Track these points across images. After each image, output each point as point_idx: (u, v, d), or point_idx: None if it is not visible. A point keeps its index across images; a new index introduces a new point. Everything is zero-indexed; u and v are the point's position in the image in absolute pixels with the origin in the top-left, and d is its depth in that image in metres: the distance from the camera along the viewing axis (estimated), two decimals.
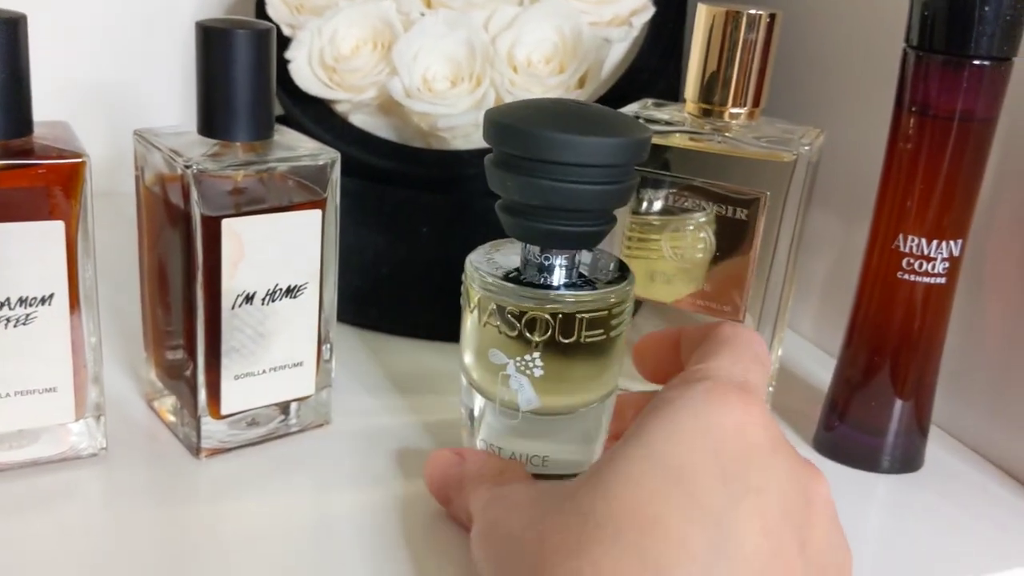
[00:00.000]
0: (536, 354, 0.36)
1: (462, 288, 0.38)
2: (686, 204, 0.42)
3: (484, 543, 0.31)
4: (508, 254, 0.39)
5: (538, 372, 0.36)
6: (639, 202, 0.43)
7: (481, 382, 0.38)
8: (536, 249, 0.37)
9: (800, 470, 0.29)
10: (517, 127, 0.33)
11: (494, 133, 0.35)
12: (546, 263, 0.37)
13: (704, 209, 0.42)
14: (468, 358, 0.39)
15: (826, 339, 0.55)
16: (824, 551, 0.28)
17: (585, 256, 0.38)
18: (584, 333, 0.36)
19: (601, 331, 0.36)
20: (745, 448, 0.28)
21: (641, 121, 0.38)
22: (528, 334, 0.36)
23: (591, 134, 0.33)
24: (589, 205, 0.34)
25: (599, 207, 0.35)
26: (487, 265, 0.37)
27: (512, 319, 0.36)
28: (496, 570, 0.30)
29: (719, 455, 0.28)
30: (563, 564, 0.26)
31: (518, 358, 0.36)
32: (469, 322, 0.38)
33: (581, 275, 0.37)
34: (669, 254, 0.43)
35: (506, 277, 0.36)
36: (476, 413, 0.39)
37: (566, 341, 0.36)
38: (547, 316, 0.35)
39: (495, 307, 0.36)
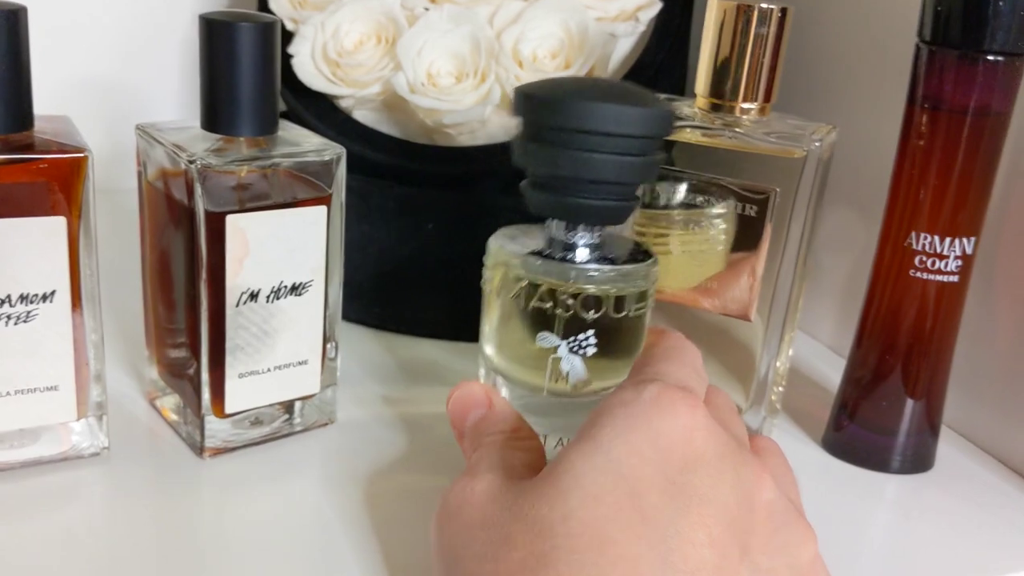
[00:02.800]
0: (590, 331, 0.36)
1: (486, 277, 0.38)
2: (696, 199, 0.42)
3: (440, 529, 0.31)
4: (527, 238, 0.38)
5: (591, 351, 0.36)
6: (652, 195, 0.43)
7: (513, 372, 0.38)
8: (562, 228, 0.37)
9: (745, 475, 0.30)
10: (551, 98, 0.34)
11: (527, 105, 0.35)
12: (571, 240, 0.36)
13: (722, 200, 0.41)
14: (494, 349, 0.38)
15: (840, 340, 0.55)
16: (770, 554, 0.29)
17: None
18: (633, 306, 0.36)
19: (643, 304, 0.37)
20: (692, 456, 0.29)
21: (662, 99, 0.38)
22: (583, 313, 0.36)
23: (623, 104, 0.34)
24: (618, 177, 0.35)
25: (628, 179, 0.35)
26: (520, 248, 0.37)
27: (566, 300, 0.36)
28: (445, 564, 0.30)
29: (667, 465, 0.29)
30: None
31: (571, 339, 0.36)
32: (497, 311, 0.38)
33: (604, 256, 0.37)
34: (678, 250, 0.43)
35: (548, 258, 0.36)
36: None
37: (618, 316, 0.36)
38: (599, 295, 0.36)
39: (546, 289, 0.36)
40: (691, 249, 0.43)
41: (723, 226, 0.42)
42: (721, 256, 0.42)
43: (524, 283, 0.37)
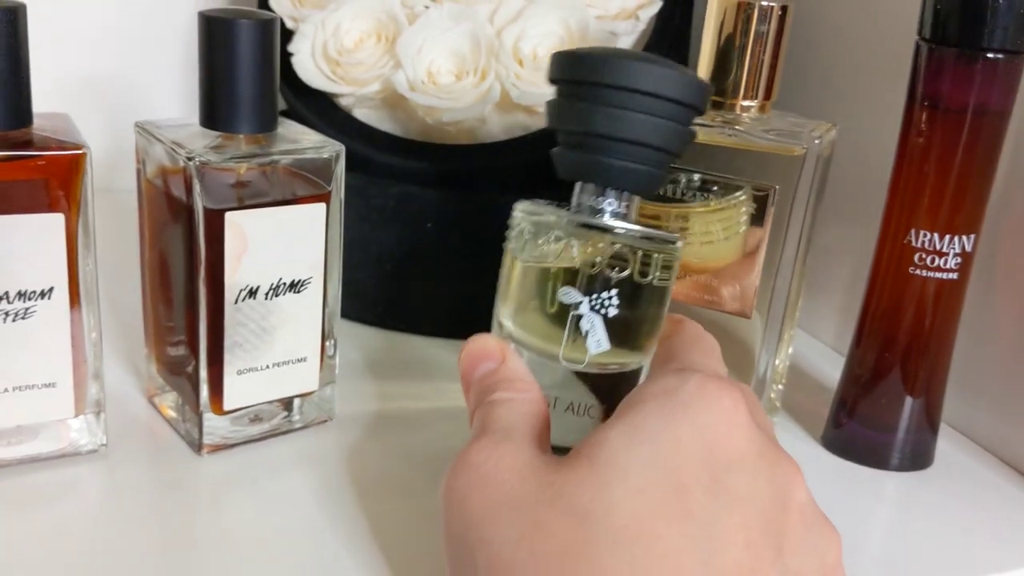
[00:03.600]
0: (614, 291, 0.35)
1: (511, 236, 0.38)
2: (694, 197, 0.42)
3: (457, 505, 0.29)
4: (549, 212, 0.38)
5: (612, 312, 0.36)
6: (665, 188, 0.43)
7: (531, 336, 0.37)
8: (591, 192, 0.36)
9: (780, 475, 0.29)
10: (592, 54, 0.34)
11: (567, 62, 0.35)
12: (599, 205, 0.36)
13: (740, 188, 0.41)
14: (511, 312, 0.37)
15: (840, 338, 0.55)
16: (799, 555, 0.29)
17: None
18: (658, 275, 0.36)
19: (668, 276, 0.36)
20: (735, 454, 0.28)
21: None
22: (609, 271, 0.35)
23: (664, 64, 0.34)
24: (653, 139, 0.34)
25: (662, 144, 0.35)
26: (552, 208, 0.37)
27: (594, 254, 0.35)
28: (467, 546, 0.29)
29: (711, 462, 0.28)
30: (558, 571, 0.26)
31: (594, 296, 0.36)
32: (520, 272, 0.37)
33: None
34: (719, 235, 0.42)
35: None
36: None
37: (643, 281, 0.35)
38: (630, 253, 0.35)
39: (577, 243, 0.35)
40: (714, 230, 0.42)
41: (744, 209, 0.41)
42: (741, 239, 0.42)
43: (553, 234, 0.36)
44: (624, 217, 0.36)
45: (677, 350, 0.34)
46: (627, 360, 0.37)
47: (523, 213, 0.37)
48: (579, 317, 0.36)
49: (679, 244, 0.36)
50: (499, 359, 0.34)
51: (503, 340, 0.36)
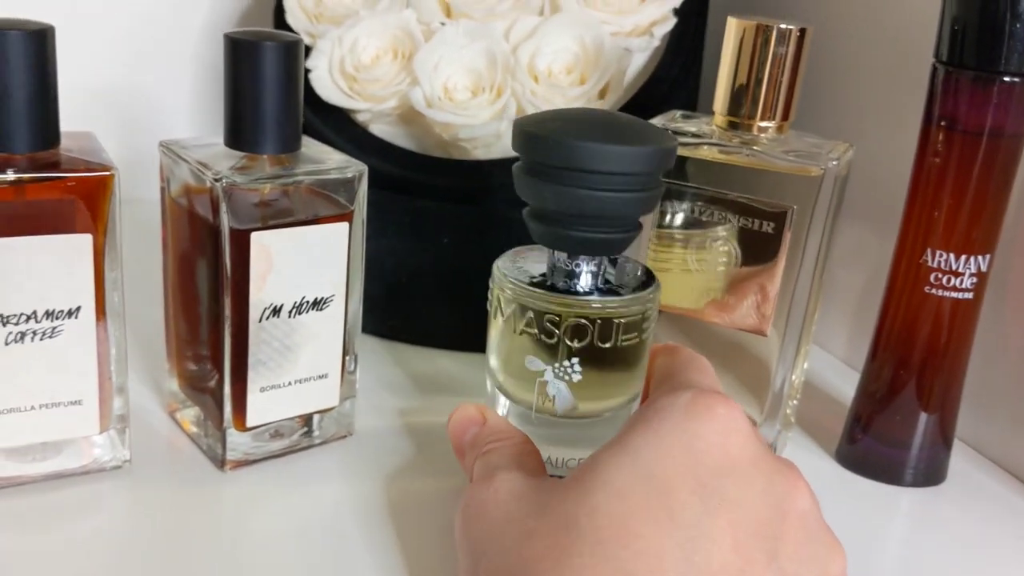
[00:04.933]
0: (575, 359, 0.37)
1: (489, 295, 0.39)
2: (712, 217, 0.42)
3: (465, 529, 0.32)
4: (534, 261, 0.39)
5: (576, 377, 0.37)
6: (662, 215, 0.43)
7: (511, 388, 0.39)
8: (564, 255, 0.37)
9: (779, 483, 0.30)
10: (550, 137, 0.34)
11: (526, 143, 0.35)
12: (575, 269, 0.37)
13: (728, 222, 0.42)
14: (496, 364, 0.39)
15: (854, 354, 0.55)
16: (797, 562, 0.29)
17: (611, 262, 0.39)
18: (621, 337, 0.36)
19: (635, 335, 0.37)
20: (726, 461, 0.29)
21: (668, 131, 0.39)
22: (568, 341, 0.36)
23: (621, 143, 0.34)
24: (619, 212, 0.35)
25: (629, 214, 0.36)
26: (518, 273, 0.38)
27: (551, 326, 0.36)
28: (472, 559, 0.31)
29: (700, 468, 0.29)
30: (543, 571, 0.27)
31: (556, 365, 0.37)
32: (498, 329, 0.38)
33: (607, 281, 0.38)
34: (694, 266, 0.43)
35: (542, 285, 0.37)
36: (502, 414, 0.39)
37: (604, 346, 0.36)
38: (587, 322, 0.36)
39: (532, 314, 0.37)
40: (693, 268, 0.43)
41: (724, 248, 0.42)
42: (722, 275, 0.43)
43: (514, 307, 0.37)
44: (597, 276, 0.37)
45: (674, 370, 0.35)
46: (603, 407, 0.38)
47: (499, 269, 0.38)
48: (546, 383, 0.37)
49: (652, 297, 0.37)
50: (481, 421, 0.37)
51: (482, 404, 0.38)
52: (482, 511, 0.31)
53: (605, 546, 0.27)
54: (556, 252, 0.37)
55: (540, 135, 0.34)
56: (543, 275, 0.38)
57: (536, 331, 0.37)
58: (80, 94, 0.66)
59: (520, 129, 0.35)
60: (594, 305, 0.36)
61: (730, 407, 0.30)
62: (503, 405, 0.39)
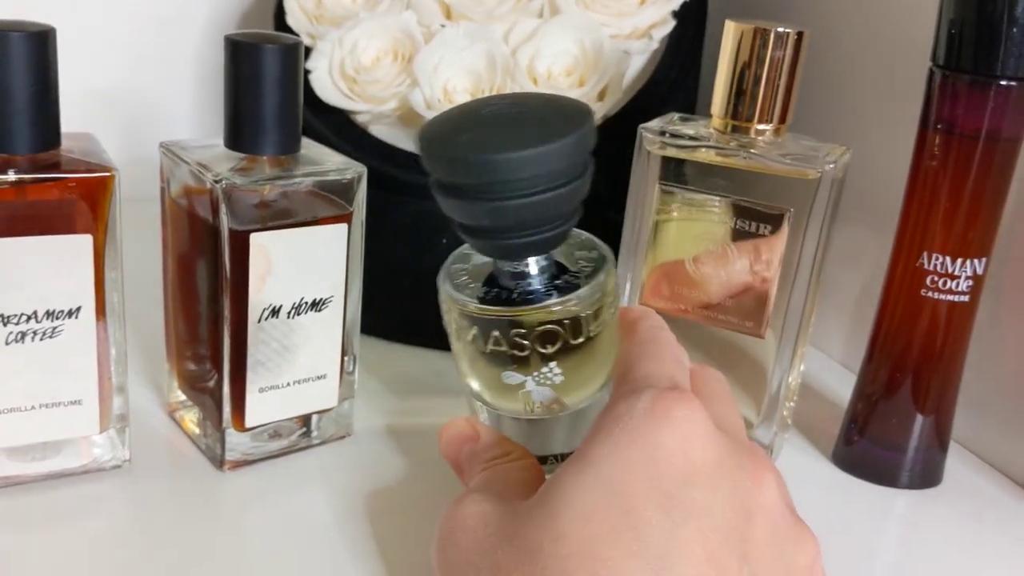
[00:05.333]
0: (552, 363, 0.35)
1: (445, 320, 0.36)
2: (711, 219, 0.42)
3: (438, 554, 0.31)
4: (478, 261, 0.36)
5: (559, 379, 0.35)
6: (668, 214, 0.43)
7: (495, 402, 0.37)
8: (506, 261, 0.35)
9: (743, 480, 0.29)
10: (468, 156, 0.30)
11: (443, 165, 0.32)
12: (525, 270, 0.35)
13: (725, 223, 0.42)
14: (475, 383, 0.37)
15: (851, 355, 0.55)
16: (768, 560, 0.29)
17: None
18: (591, 328, 0.34)
19: (602, 319, 0.35)
20: (689, 468, 0.28)
21: (580, 102, 0.34)
22: (541, 349, 0.34)
23: (543, 141, 0.30)
24: (559, 209, 0.33)
25: (568, 207, 0.33)
26: (467, 291, 0.35)
27: (519, 339, 0.34)
28: None
29: (663, 480, 0.28)
30: None
31: (535, 374, 0.35)
32: (464, 351, 0.36)
33: (559, 267, 0.35)
34: (691, 269, 0.43)
35: (497, 300, 0.34)
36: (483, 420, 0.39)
37: (578, 342, 0.34)
38: (554, 325, 0.34)
39: (498, 334, 0.34)
40: (703, 268, 0.43)
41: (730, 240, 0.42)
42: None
43: (475, 330, 0.35)
44: (546, 268, 0.34)
45: (630, 363, 0.33)
46: (592, 391, 0.37)
47: (445, 292, 0.35)
48: (529, 393, 0.36)
49: (606, 281, 0.34)
50: (474, 437, 0.37)
51: (472, 417, 0.38)
52: (451, 537, 0.31)
53: (573, 575, 0.27)
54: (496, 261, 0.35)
55: (456, 157, 0.31)
56: (493, 287, 0.35)
57: (506, 348, 0.35)
58: (81, 95, 0.67)
59: (430, 150, 0.31)
60: (554, 308, 0.34)
61: (688, 407, 0.29)
62: (484, 415, 0.38)
